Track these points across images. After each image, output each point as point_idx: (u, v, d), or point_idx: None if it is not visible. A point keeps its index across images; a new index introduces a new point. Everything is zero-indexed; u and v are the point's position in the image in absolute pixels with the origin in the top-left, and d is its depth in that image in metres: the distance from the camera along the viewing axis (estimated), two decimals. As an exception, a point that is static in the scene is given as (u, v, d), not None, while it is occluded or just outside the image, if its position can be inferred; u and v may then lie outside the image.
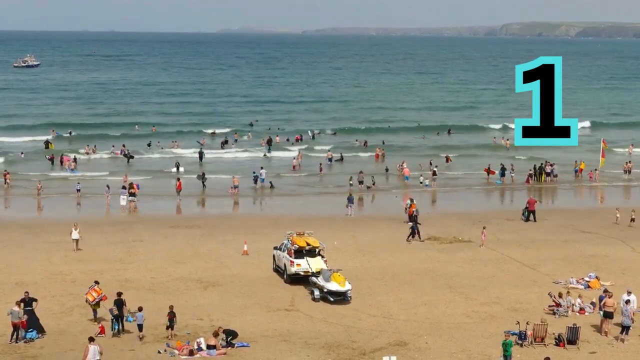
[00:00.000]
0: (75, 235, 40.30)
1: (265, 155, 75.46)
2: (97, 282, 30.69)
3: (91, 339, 25.72)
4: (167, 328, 28.52)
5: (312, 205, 55.17)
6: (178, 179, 57.68)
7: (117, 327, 28.74)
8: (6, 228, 45.72)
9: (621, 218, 48.07)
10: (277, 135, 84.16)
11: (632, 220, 47.82)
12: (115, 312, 28.67)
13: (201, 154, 72.88)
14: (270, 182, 60.41)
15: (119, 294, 29.45)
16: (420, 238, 43.36)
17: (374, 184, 60.59)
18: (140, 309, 28.54)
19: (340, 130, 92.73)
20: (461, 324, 30.06)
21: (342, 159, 73.16)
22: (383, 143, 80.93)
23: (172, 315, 28.57)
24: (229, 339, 27.78)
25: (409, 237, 43.38)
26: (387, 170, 66.38)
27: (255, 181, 60.19)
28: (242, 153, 77.09)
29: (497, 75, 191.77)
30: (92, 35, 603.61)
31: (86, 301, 29.94)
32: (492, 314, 31.24)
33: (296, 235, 36.59)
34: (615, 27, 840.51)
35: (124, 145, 75.33)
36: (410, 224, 44.52)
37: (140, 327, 28.29)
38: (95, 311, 29.77)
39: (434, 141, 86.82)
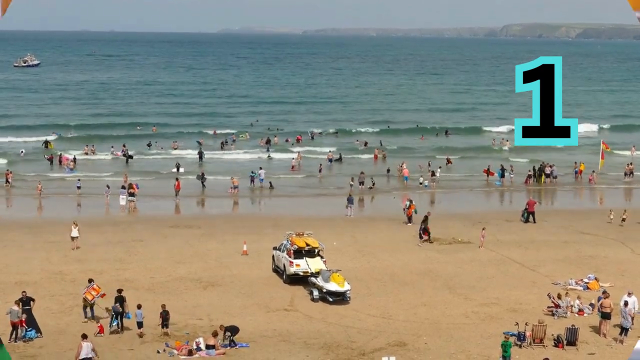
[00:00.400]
0: (74, 233, 40.35)
1: (269, 156, 75.44)
2: (91, 280, 30.71)
3: (84, 336, 25.78)
4: (162, 327, 28.53)
5: (311, 205, 55.15)
6: (177, 179, 57.67)
7: (116, 322, 28.78)
8: (6, 228, 45.70)
9: (615, 219, 48.13)
10: (275, 136, 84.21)
11: (623, 220, 47.90)
12: (119, 309, 28.73)
13: (201, 154, 72.92)
14: (270, 183, 60.41)
15: (120, 290, 29.57)
16: (421, 239, 43.30)
17: (373, 185, 60.59)
18: (139, 307, 28.56)
19: (341, 131, 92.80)
20: (460, 324, 30.06)
21: (340, 159, 73.14)
22: (381, 144, 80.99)
23: (164, 315, 28.58)
24: (228, 335, 27.77)
25: (424, 238, 43.20)
26: (388, 171, 66.37)
27: (252, 181, 60.19)
28: (243, 154, 77.02)
29: (498, 76, 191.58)
30: (92, 35, 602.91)
31: (84, 300, 29.94)
32: (491, 314, 31.25)
33: (295, 235, 36.60)
34: (616, 29, 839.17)
35: (124, 146, 75.29)
36: (410, 224, 44.26)
37: (139, 324, 28.35)
38: (92, 309, 29.79)
39: (433, 142, 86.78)
